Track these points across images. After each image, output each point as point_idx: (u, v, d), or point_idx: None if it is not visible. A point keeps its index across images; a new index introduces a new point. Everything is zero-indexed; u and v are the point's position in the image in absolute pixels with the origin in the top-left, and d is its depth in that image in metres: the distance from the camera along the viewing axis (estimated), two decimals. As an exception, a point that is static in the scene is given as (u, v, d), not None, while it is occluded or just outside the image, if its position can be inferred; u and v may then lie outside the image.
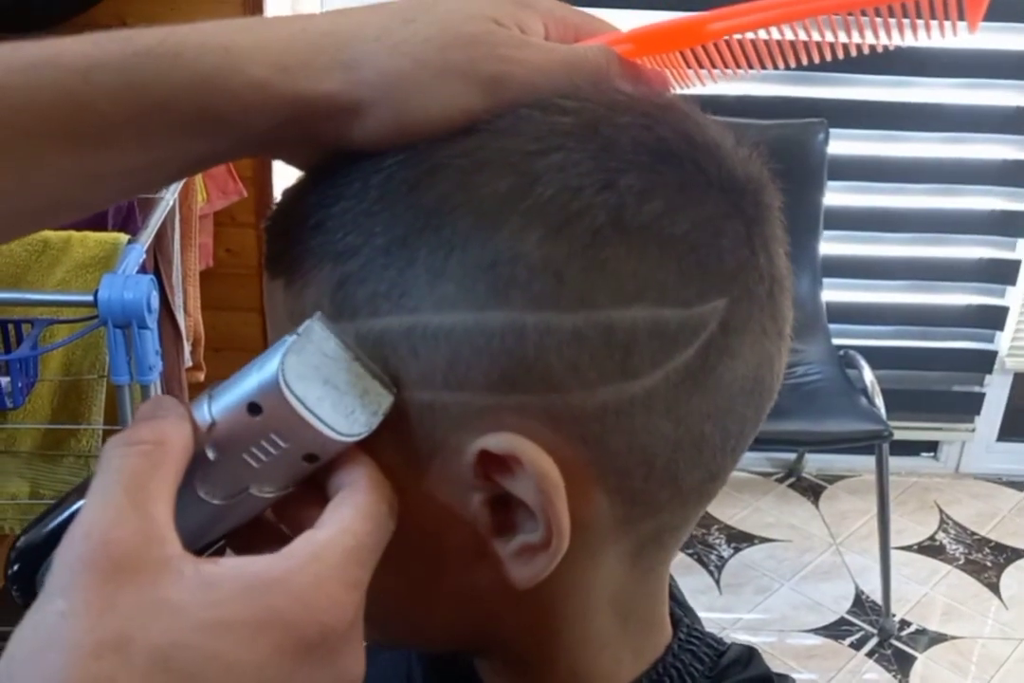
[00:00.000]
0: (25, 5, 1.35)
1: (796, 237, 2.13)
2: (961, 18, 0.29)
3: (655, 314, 0.29)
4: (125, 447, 0.27)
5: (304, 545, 0.26)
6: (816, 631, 1.84)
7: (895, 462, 1.99)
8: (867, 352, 1.97)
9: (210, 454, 0.29)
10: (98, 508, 0.25)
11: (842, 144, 2.01)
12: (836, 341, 2.02)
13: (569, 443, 0.29)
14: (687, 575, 1.96)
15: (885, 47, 0.31)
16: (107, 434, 1.15)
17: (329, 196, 0.31)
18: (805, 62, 0.32)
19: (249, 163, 1.64)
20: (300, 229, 0.31)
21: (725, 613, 1.87)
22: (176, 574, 0.25)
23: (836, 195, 2.04)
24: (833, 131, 1.97)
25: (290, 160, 0.33)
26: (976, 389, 2.29)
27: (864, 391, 1.88)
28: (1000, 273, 2.18)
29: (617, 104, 0.31)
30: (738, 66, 0.32)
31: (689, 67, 0.33)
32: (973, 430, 2.32)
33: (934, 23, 0.30)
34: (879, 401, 1.84)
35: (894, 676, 1.75)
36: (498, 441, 0.28)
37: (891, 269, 2.17)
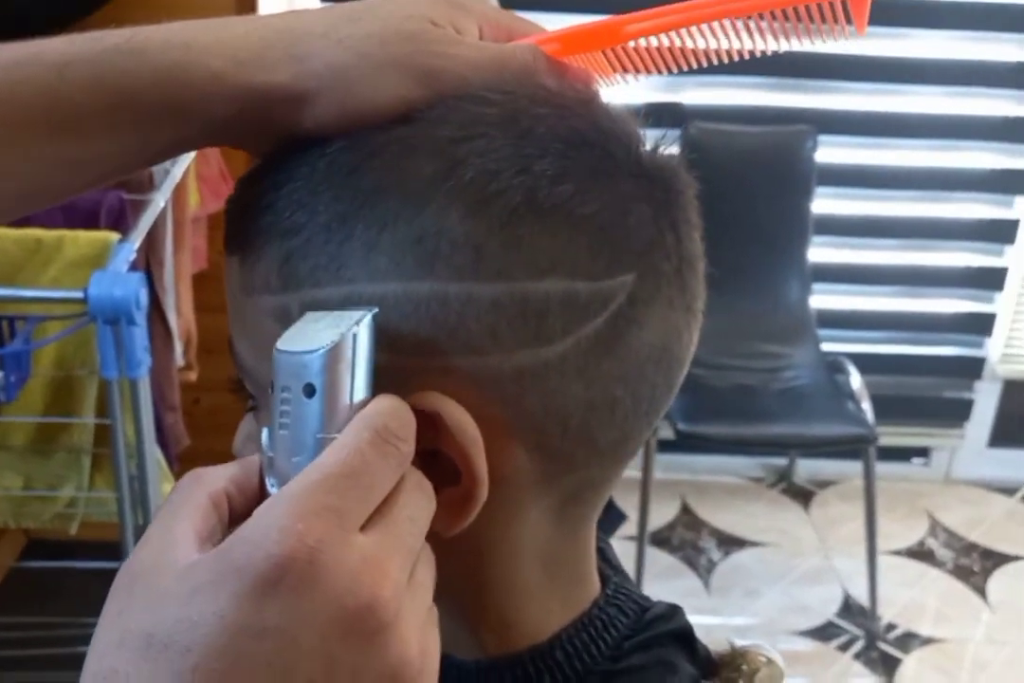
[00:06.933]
0: (25, 12, 1.38)
1: (785, 243, 2.13)
2: (849, 21, 0.32)
3: (566, 286, 0.31)
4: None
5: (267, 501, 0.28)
6: (804, 634, 1.85)
7: (886, 468, 2.00)
8: (856, 358, 1.98)
9: (267, 451, 0.30)
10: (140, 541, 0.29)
11: (830, 151, 2.03)
12: (825, 347, 2.03)
13: (489, 403, 0.32)
14: (676, 578, 1.98)
15: (775, 50, 0.34)
16: (98, 428, 1.17)
17: (279, 179, 0.34)
18: (705, 65, 0.35)
19: (243, 166, 1.66)
20: (253, 209, 0.34)
21: (714, 616, 1.88)
22: (172, 567, 0.27)
23: (825, 201, 2.06)
24: (821, 138, 1.99)
25: (248, 147, 0.36)
26: (965, 395, 2.30)
27: (851, 396, 1.90)
28: (988, 279, 2.20)
29: (538, 97, 0.33)
30: (648, 69, 0.35)
31: (611, 64, 0.35)
32: (963, 436, 2.34)
33: (826, 27, 0.32)
34: (866, 406, 1.86)
35: (880, 678, 1.76)
36: (423, 400, 0.31)
37: (880, 275, 2.19)
